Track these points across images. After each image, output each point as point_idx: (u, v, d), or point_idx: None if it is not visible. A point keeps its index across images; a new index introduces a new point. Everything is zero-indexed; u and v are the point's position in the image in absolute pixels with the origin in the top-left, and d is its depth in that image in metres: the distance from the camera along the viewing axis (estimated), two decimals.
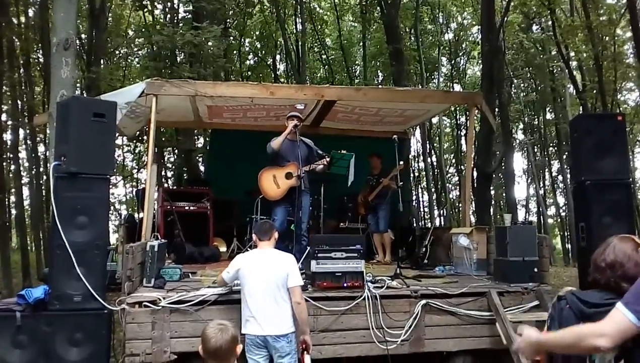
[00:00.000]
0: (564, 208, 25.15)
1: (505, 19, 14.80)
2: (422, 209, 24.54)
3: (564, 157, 21.47)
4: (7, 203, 16.99)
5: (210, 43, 11.77)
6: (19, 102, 15.19)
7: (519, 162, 26.40)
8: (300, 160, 5.92)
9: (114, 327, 4.47)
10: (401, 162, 6.28)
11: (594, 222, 4.92)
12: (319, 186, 7.80)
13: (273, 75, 21.56)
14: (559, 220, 27.35)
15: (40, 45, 14.38)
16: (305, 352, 3.87)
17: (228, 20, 16.58)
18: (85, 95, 11.53)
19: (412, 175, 21.76)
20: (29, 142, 15.79)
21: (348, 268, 4.67)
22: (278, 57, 22.54)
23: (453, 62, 23.82)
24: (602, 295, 1.99)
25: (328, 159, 6.20)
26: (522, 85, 23.72)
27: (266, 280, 3.86)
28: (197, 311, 4.31)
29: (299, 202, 5.90)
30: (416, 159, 24.29)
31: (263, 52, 21.74)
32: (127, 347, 4.23)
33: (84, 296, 4.17)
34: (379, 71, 22.44)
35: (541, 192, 24.33)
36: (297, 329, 3.93)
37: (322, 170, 6.18)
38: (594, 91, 17.27)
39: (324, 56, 23.07)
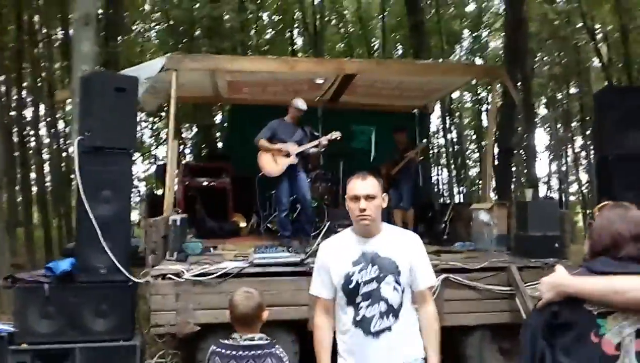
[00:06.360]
0: (586, 185, 24.73)
1: None
2: (441, 186, 24.33)
3: (587, 132, 21.01)
4: (28, 179, 17.29)
5: (228, 16, 11.68)
6: (39, 79, 15.30)
7: (541, 137, 25.95)
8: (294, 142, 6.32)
9: (138, 300, 4.57)
10: (424, 141, 6.21)
11: (616, 196, 4.80)
12: (338, 162, 7.77)
13: (291, 50, 21.32)
14: (581, 197, 26.93)
15: (60, 21, 14.38)
16: None
17: None
18: None
19: (431, 151, 21.52)
20: (48, 118, 15.94)
21: None
22: (296, 31, 22.26)
23: (475, 35, 23.25)
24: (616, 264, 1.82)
25: (330, 138, 6.33)
26: (545, 58, 23.10)
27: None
28: (219, 283, 4.38)
29: (298, 177, 6.29)
30: (436, 135, 23.99)
31: (281, 25, 21.48)
32: (152, 318, 4.33)
33: (109, 268, 4.27)
34: (398, 44, 22.02)
35: (564, 168, 23.93)
36: None
37: (316, 152, 6.34)
38: (620, 65, 16.74)
39: (342, 30, 22.70)
